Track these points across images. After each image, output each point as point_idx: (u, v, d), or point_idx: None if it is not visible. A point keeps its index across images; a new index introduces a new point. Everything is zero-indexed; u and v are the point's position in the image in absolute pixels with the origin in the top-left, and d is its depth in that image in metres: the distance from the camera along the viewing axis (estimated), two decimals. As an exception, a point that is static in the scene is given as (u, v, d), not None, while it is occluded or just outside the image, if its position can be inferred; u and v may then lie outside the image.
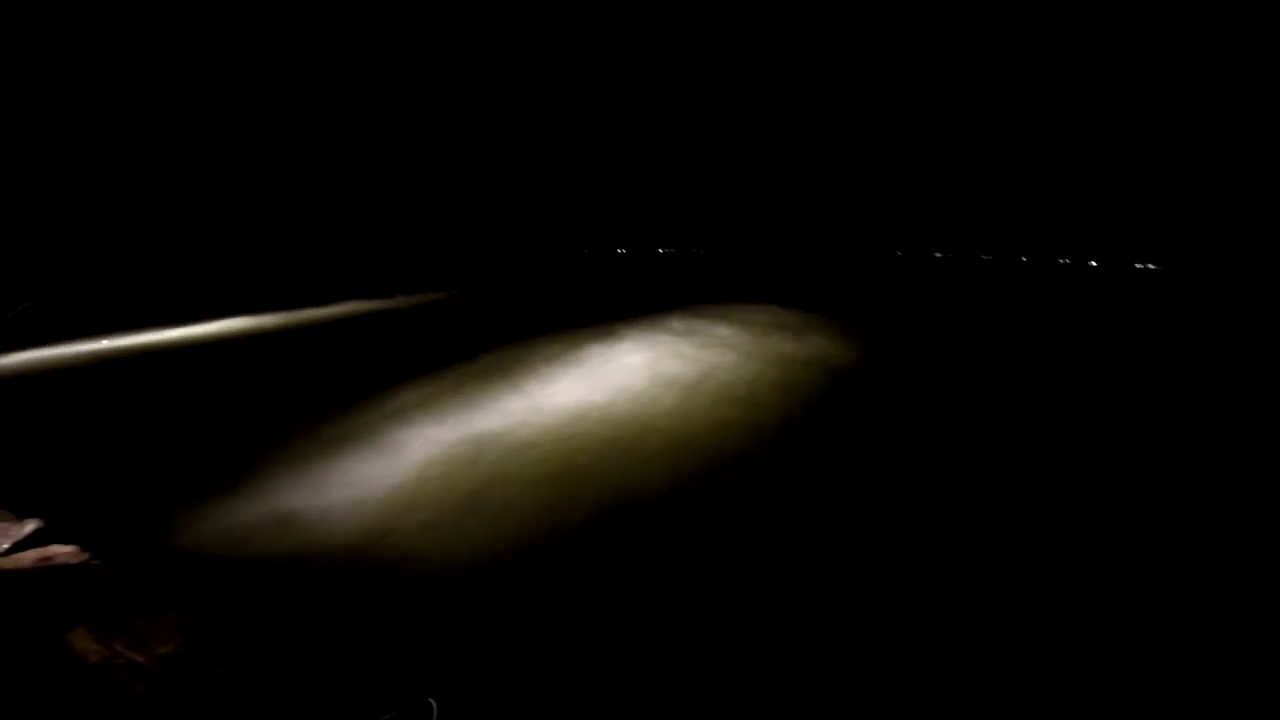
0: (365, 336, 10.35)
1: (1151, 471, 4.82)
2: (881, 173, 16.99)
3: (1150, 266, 13.25)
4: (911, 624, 3.19)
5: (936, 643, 3.04)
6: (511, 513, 4.45)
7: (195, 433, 6.29)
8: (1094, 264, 14.21)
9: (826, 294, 12.53)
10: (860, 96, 17.07)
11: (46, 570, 3.84)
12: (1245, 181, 12.98)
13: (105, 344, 9.81)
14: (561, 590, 3.64)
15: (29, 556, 3.88)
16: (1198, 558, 3.67)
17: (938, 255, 16.32)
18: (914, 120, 16.71)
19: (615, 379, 7.04)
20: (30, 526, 4.10)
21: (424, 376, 7.34)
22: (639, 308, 10.74)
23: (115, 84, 15.69)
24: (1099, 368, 7.54)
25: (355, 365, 8.50)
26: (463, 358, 7.90)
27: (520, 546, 4.07)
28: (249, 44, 16.50)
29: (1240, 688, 2.52)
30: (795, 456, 5.12)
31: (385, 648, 3.23)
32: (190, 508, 4.83)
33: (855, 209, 17.21)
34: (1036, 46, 15.26)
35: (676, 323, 9.62)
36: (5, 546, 3.89)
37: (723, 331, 8.96)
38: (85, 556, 4.16)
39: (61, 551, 4.04)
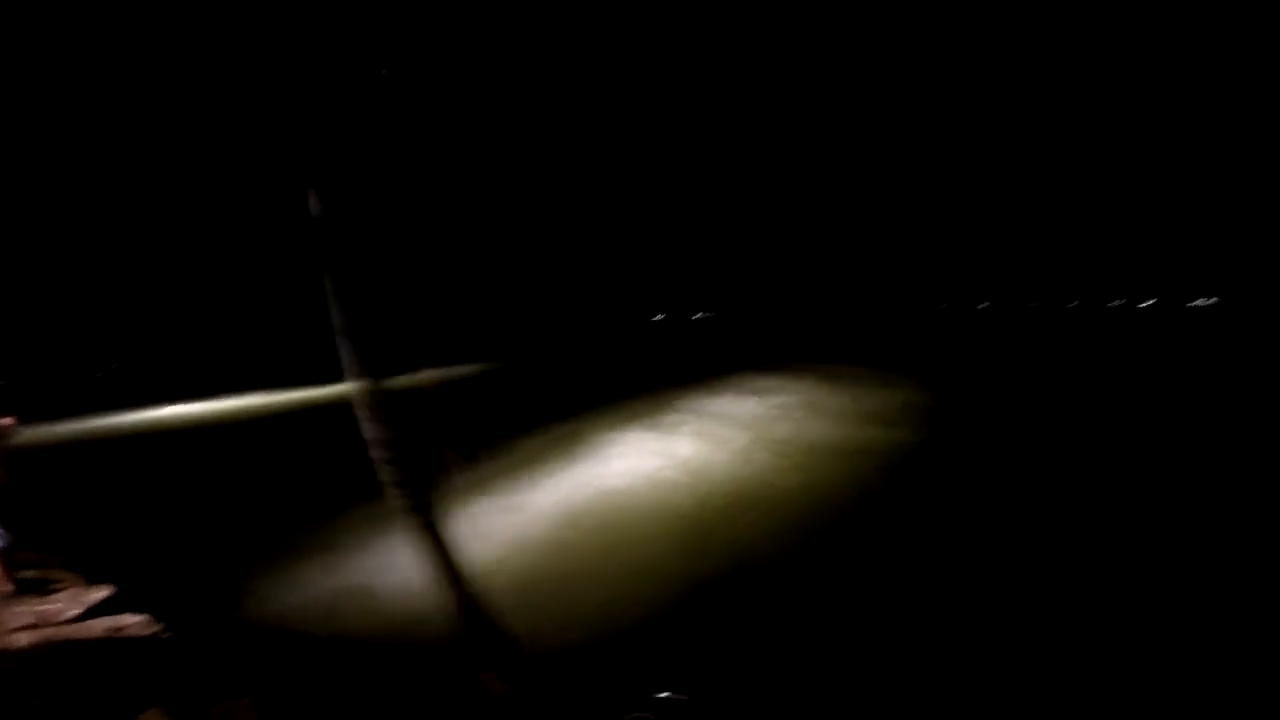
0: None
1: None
2: (917, 228, 17.03)
3: (1205, 301, 12.77)
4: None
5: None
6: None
7: (272, 505, 6.06)
8: (1149, 303, 13.76)
9: (888, 351, 12.10)
10: (897, 158, 17.39)
11: (117, 641, 3.51)
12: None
13: (164, 412, 9.84)
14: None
15: (100, 625, 3.55)
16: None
17: (980, 306, 16.03)
18: (954, 178, 16.89)
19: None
20: (102, 593, 3.80)
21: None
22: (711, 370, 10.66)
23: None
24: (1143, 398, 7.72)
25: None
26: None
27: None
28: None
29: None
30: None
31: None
32: (268, 576, 4.53)
33: (893, 264, 17.16)
34: (1059, 92, 15.52)
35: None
36: (76, 612, 3.58)
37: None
38: (158, 628, 3.83)
39: (133, 621, 3.70)
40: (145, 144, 15.25)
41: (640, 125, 18.35)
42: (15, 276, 14.00)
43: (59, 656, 3.35)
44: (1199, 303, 12.99)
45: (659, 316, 18.02)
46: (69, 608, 3.70)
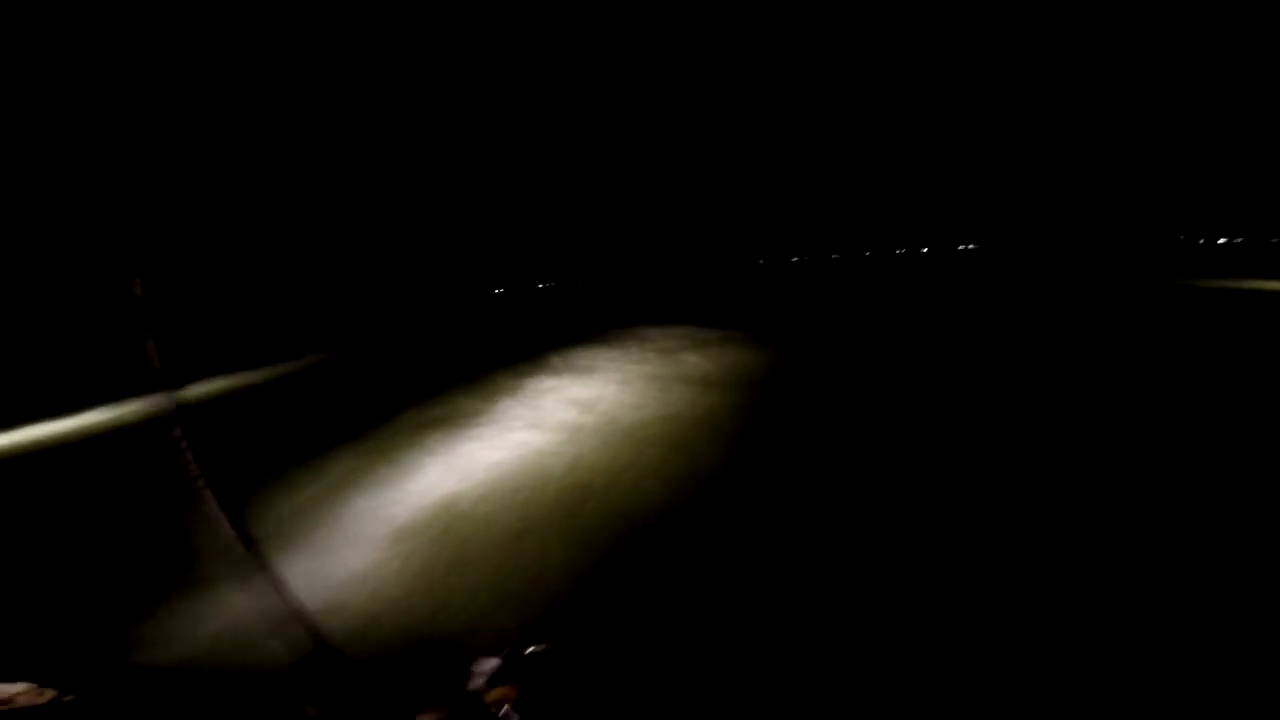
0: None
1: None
2: (731, 191, 18.31)
3: (971, 246, 15.81)
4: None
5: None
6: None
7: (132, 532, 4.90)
8: (925, 250, 16.49)
9: (723, 307, 13.13)
10: (701, 120, 18.36)
11: (8, 716, 2.69)
12: (1033, 178, 15.93)
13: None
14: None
15: (-25, 706, 2.71)
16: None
17: (794, 259, 17.85)
18: (762, 141, 18.31)
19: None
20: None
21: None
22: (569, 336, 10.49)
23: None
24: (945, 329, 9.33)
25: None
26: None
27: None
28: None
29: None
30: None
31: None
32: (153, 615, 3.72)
33: (714, 227, 18.30)
34: (854, 58, 17.57)
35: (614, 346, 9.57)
36: (-61, 696, 2.70)
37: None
38: (50, 695, 3.00)
39: (15, 691, 2.87)
40: None
41: (461, 103, 17.33)
42: None
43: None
44: (964, 248, 15.91)
45: (499, 290, 17.42)
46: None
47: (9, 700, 2.73)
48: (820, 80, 17.52)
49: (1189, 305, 9.29)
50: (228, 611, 3.68)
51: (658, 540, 3.94)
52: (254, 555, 4.27)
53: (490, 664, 2.92)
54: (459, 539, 4.22)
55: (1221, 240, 12.41)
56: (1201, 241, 12.75)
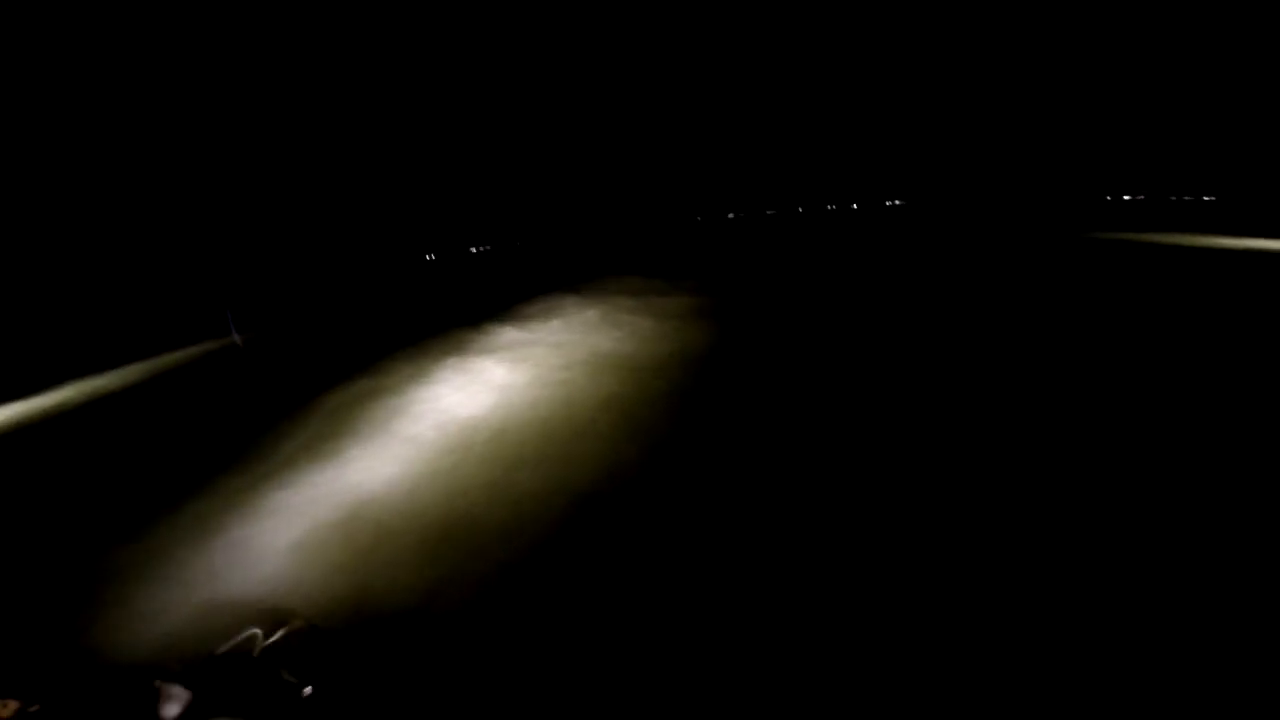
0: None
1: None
2: (675, 154, 18.13)
3: (898, 202, 16.39)
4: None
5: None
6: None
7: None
8: (855, 206, 16.97)
9: (677, 258, 13.20)
10: (637, 91, 17.94)
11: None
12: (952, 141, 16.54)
13: None
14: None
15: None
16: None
17: (730, 215, 17.99)
18: (708, 106, 18.09)
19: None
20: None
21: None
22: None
23: None
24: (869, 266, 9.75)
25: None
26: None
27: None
28: None
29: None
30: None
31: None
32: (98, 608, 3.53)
33: (660, 186, 18.13)
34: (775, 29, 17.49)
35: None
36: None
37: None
38: (14, 706, 2.82)
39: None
40: None
41: (392, 65, 16.16)
42: None
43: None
44: (892, 204, 16.46)
45: (430, 256, 16.74)
46: None
47: (-26, 719, 2.56)
48: (756, 45, 17.40)
49: (1093, 256, 10.09)
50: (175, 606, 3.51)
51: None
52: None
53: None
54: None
55: (1126, 197, 13.38)
56: (1109, 198, 13.71)
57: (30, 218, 12.46)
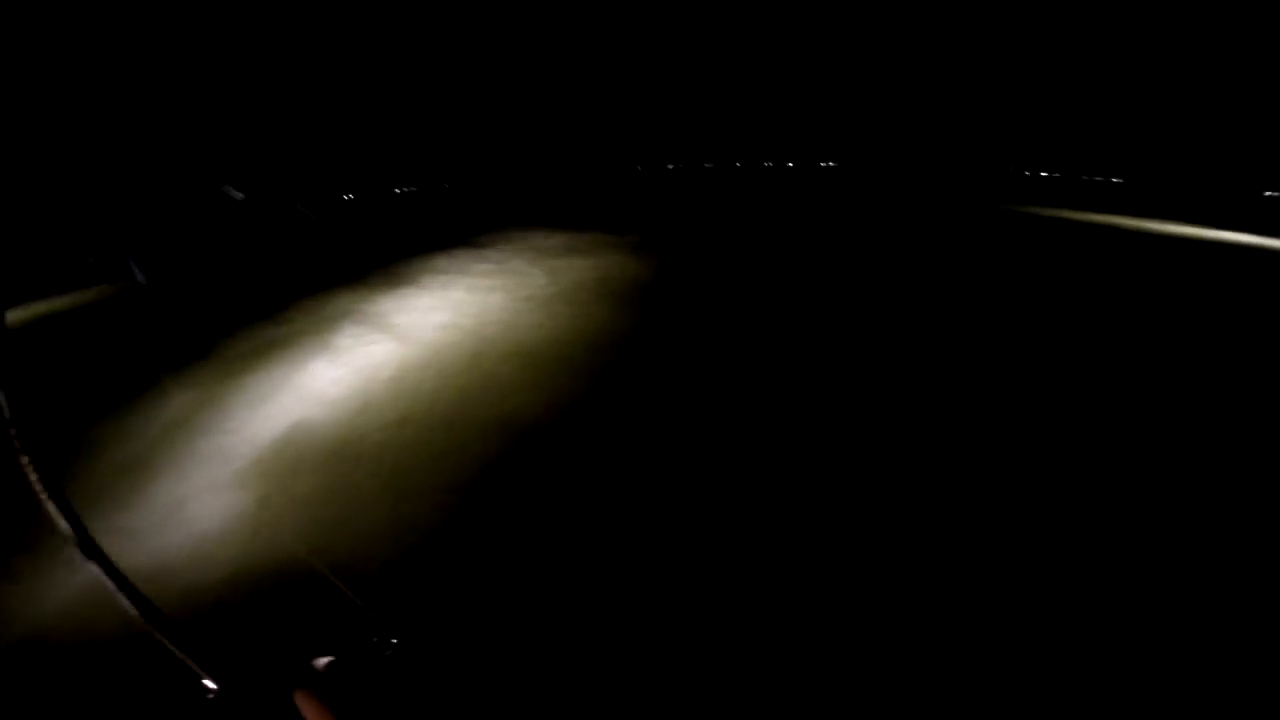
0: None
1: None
2: (615, 101, 17.43)
3: (831, 164, 16.81)
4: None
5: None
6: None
7: None
8: (790, 164, 17.23)
9: (616, 210, 12.93)
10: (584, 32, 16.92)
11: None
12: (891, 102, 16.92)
13: None
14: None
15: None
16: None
17: (670, 167, 17.76)
18: (643, 52, 17.31)
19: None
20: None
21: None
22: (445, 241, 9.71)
23: None
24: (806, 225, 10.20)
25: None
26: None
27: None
28: None
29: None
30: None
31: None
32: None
33: (602, 133, 17.47)
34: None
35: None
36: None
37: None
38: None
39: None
40: None
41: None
42: None
43: None
44: (825, 164, 16.85)
45: (348, 196, 15.44)
46: None
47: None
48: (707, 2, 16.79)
49: (1007, 227, 11.08)
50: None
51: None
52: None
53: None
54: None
55: (1043, 174, 14.42)
56: (1027, 174, 14.73)
57: None
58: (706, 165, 17.84)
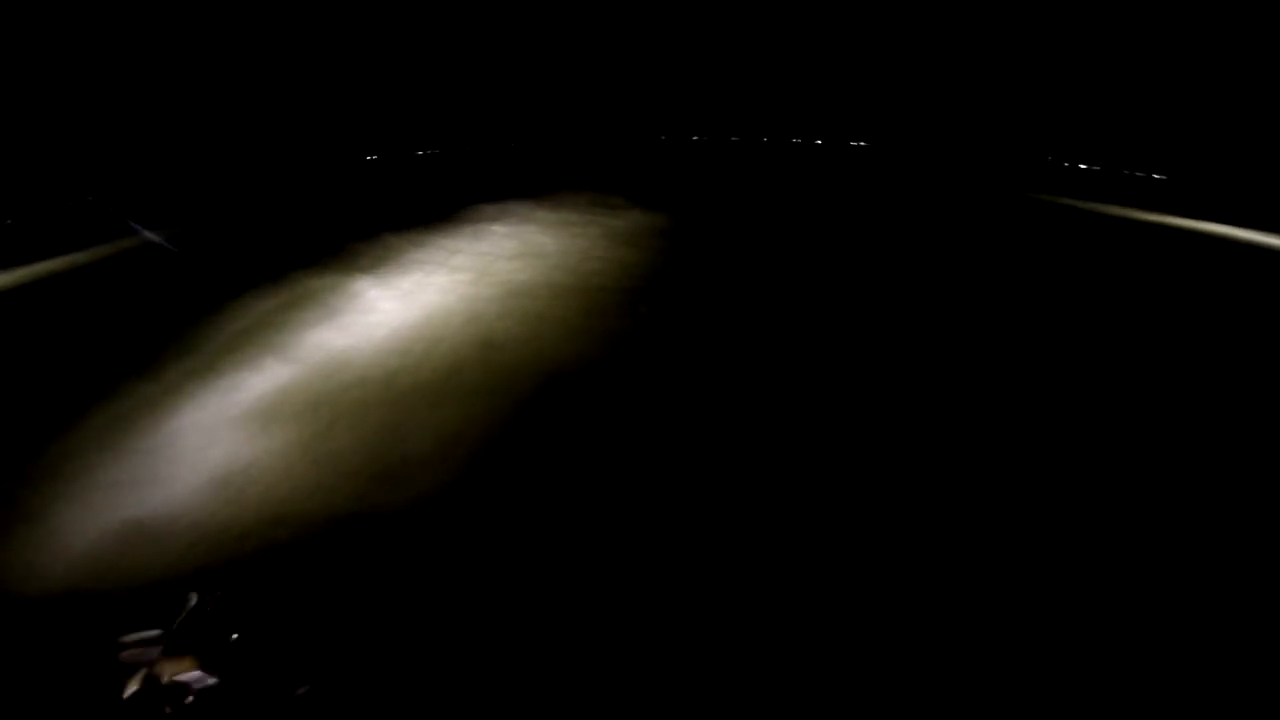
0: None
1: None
2: (643, 70, 17.00)
3: (862, 143, 16.41)
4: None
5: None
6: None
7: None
8: (819, 142, 16.84)
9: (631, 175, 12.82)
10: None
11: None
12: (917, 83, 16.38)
13: None
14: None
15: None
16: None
17: (695, 138, 17.40)
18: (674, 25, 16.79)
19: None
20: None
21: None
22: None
23: None
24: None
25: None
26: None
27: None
28: None
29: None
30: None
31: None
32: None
33: (627, 102, 17.11)
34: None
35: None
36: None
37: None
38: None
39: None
40: None
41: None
42: None
43: None
44: (856, 144, 16.47)
45: (372, 156, 15.24)
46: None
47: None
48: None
49: (1036, 216, 10.94)
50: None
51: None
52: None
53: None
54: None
55: (1082, 166, 14.07)
56: (1066, 165, 14.36)
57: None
58: (733, 139, 17.48)
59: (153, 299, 6.81)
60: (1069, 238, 9.69)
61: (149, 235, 9.39)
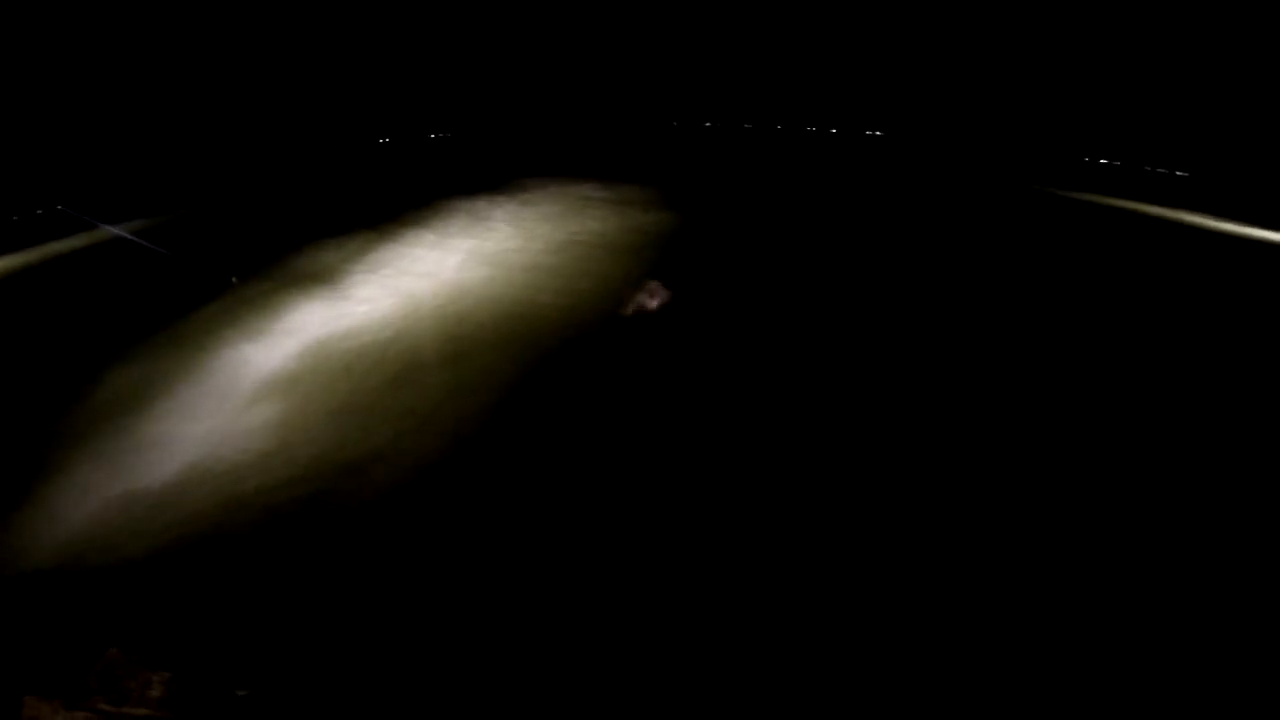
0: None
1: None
2: (654, 55, 16.77)
3: (877, 133, 16.15)
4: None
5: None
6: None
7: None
8: (834, 131, 16.59)
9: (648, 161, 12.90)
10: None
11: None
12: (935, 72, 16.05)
13: None
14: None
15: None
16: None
17: (707, 124, 17.19)
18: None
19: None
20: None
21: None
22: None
23: None
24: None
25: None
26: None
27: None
28: None
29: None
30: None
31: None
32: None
33: (635, 88, 16.92)
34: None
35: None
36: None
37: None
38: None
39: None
40: None
41: None
42: None
43: None
44: (871, 134, 16.23)
45: (384, 139, 15.17)
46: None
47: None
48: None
49: (1057, 213, 10.79)
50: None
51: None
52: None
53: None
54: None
55: (1103, 161, 13.83)
56: (1086, 159, 14.12)
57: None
58: (745, 125, 17.27)
59: (132, 290, 7.10)
60: (1088, 234, 9.54)
61: (116, 230, 9.47)
